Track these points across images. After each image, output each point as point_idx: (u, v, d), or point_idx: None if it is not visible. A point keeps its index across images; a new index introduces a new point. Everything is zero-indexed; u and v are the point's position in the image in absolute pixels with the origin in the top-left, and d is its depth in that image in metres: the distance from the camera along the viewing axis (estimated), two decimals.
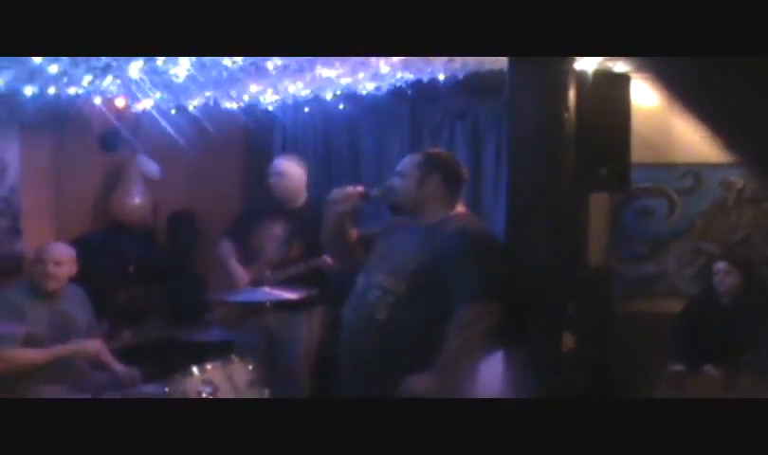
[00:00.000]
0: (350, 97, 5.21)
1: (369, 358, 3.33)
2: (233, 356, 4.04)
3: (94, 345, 4.33)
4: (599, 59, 4.40)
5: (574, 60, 3.58)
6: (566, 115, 3.46)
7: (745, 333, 4.57)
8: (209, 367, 3.87)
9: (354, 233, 3.63)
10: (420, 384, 3.12)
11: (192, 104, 4.59)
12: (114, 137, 5.42)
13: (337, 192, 3.50)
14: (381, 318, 3.28)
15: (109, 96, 4.59)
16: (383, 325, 3.27)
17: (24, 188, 5.09)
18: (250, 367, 3.98)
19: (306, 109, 5.39)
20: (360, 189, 3.49)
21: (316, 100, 5.24)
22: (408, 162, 3.45)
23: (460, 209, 3.49)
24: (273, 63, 3.51)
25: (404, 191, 3.38)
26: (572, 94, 3.50)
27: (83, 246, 4.65)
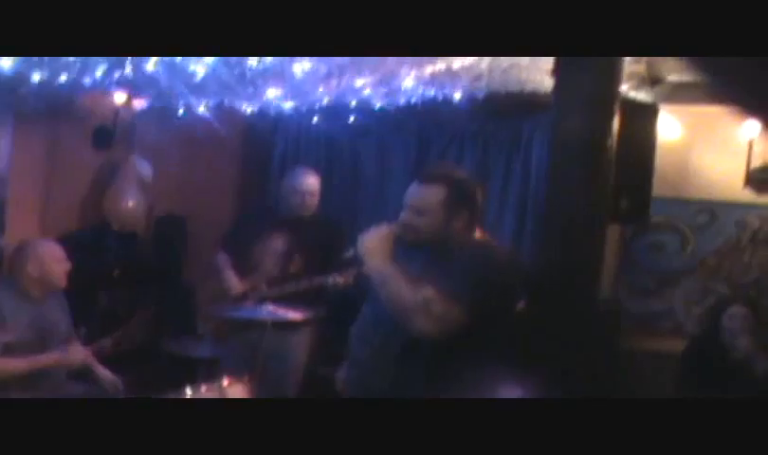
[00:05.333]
0: (363, 109, 4.98)
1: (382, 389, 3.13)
2: (228, 378, 3.80)
3: (79, 354, 3.99)
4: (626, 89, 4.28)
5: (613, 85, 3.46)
6: (608, 141, 3.36)
7: (751, 376, 4.43)
8: (203, 388, 3.65)
9: None
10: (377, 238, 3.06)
11: (205, 105, 4.30)
12: (108, 135, 5.19)
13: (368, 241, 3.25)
14: (396, 352, 3.07)
15: (113, 90, 4.34)
16: (399, 359, 3.02)
17: (12, 178, 4.80)
18: (246, 388, 3.77)
19: (315, 118, 5.17)
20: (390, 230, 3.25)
21: (326, 109, 5.00)
22: (428, 198, 3.16)
23: (479, 233, 3.22)
24: (301, 66, 3.27)
25: (429, 230, 3.05)
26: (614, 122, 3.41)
27: (69, 244, 4.36)
